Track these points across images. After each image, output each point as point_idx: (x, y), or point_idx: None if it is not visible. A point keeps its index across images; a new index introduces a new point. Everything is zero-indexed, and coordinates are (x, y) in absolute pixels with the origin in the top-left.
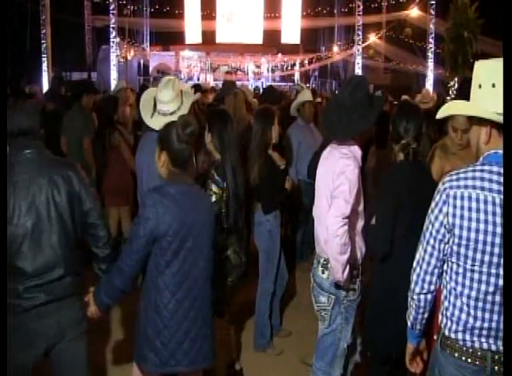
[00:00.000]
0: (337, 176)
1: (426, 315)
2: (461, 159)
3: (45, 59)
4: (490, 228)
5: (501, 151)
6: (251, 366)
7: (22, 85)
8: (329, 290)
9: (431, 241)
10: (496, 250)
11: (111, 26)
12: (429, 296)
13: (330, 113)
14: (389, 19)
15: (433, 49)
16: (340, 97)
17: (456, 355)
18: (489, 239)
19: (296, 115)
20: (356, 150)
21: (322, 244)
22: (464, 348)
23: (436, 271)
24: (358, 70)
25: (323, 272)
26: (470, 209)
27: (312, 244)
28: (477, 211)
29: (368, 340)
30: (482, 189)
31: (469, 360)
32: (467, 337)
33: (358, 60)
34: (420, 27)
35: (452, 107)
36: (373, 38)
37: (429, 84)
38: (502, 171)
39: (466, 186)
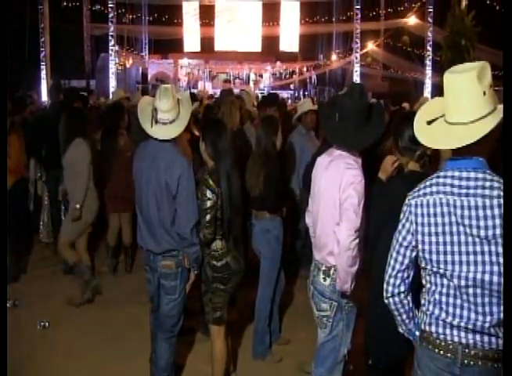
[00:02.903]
0: (344, 187)
1: (404, 317)
2: None
3: (44, 67)
4: (447, 228)
5: (455, 157)
6: (249, 373)
7: (21, 93)
8: (332, 297)
9: (397, 247)
10: (456, 248)
11: (110, 34)
12: (396, 299)
13: (333, 119)
14: (387, 27)
15: (431, 57)
16: (345, 103)
17: (430, 347)
18: (448, 239)
19: (297, 123)
20: (359, 160)
21: (324, 253)
22: (438, 341)
23: (399, 275)
24: (357, 78)
25: (325, 280)
26: (428, 215)
27: (309, 252)
28: (435, 215)
29: (366, 346)
30: (438, 193)
31: (441, 352)
32: (440, 330)
33: (357, 68)
34: (417, 34)
35: None
36: (371, 46)
37: (427, 92)
38: (461, 174)
39: (424, 194)
